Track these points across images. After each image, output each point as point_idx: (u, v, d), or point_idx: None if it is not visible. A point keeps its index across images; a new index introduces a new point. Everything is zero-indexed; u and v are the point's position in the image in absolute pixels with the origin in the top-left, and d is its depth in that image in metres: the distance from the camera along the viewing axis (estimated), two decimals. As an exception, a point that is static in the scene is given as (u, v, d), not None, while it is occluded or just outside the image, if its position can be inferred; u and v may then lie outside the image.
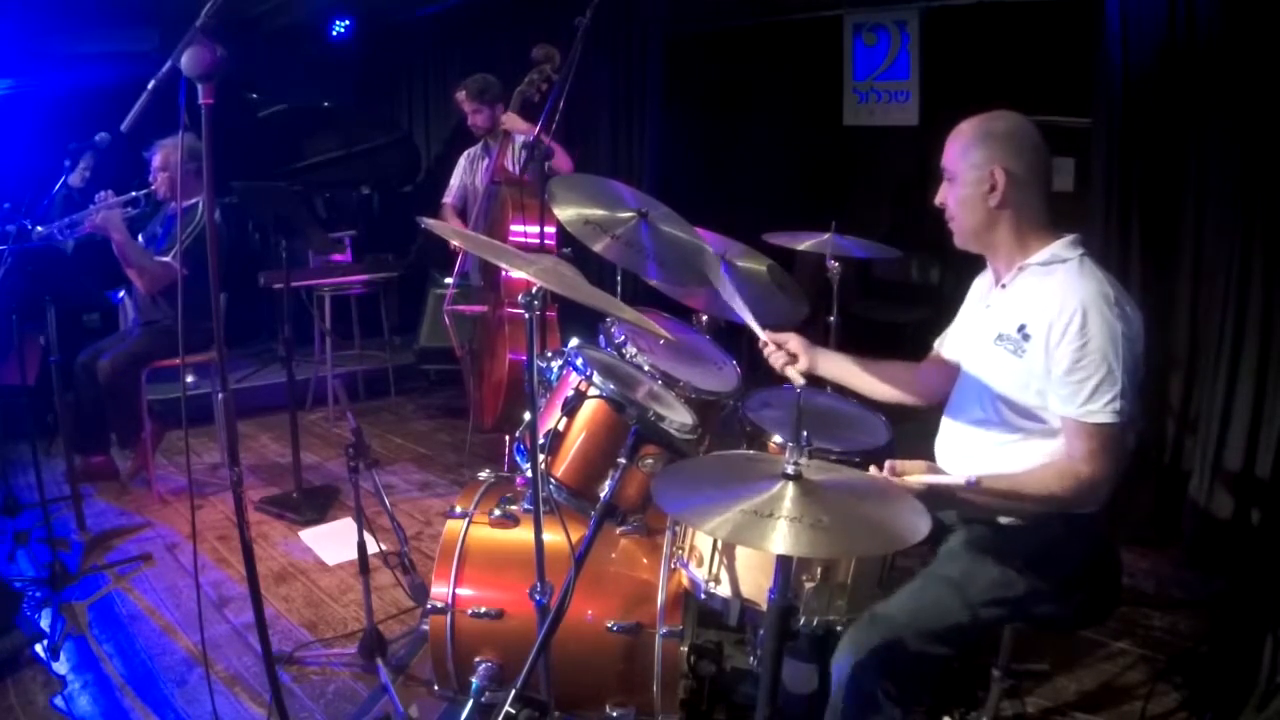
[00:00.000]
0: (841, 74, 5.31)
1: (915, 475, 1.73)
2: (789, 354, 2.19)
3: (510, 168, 4.19)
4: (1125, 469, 1.85)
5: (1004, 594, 1.83)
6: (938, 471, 1.75)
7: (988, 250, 1.97)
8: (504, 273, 3.82)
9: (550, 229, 3.48)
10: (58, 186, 3.84)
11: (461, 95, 4.40)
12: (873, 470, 1.77)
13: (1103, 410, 1.73)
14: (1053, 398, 1.79)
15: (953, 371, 2.08)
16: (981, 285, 2.12)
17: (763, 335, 2.23)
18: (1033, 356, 1.81)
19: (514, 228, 3.91)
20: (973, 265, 2.15)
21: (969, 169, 1.87)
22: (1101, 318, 1.73)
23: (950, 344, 2.17)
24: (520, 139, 4.25)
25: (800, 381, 2.18)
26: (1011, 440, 1.89)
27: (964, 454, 1.97)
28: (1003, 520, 1.90)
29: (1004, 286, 1.95)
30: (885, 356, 2.29)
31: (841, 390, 2.41)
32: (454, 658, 2.22)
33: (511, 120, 4.10)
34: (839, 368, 2.22)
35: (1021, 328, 1.85)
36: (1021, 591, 1.84)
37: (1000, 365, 1.89)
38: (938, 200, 1.97)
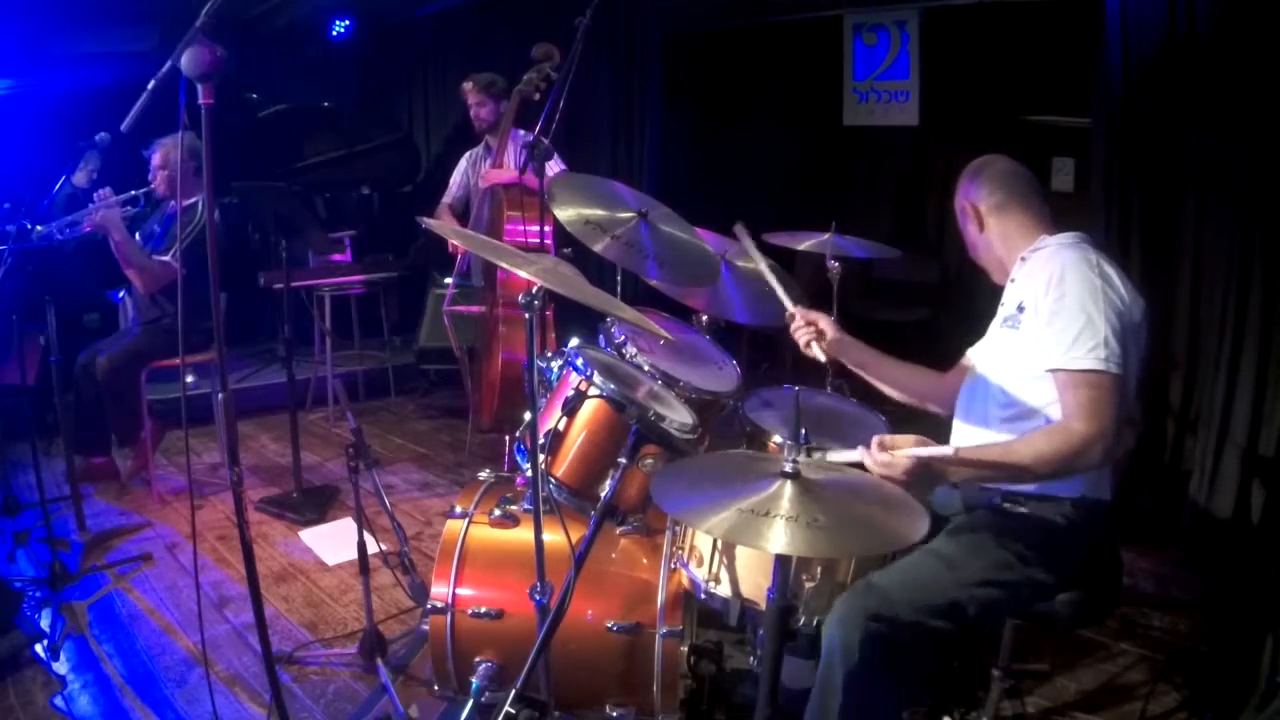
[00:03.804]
0: (841, 74, 5.32)
1: (903, 450, 1.73)
2: (817, 331, 2.19)
3: (510, 167, 4.21)
4: (1126, 446, 1.84)
5: (1001, 575, 1.83)
6: (928, 443, 1.75)
7: (1000, 266, 2.07)
8: (500, 272, 3.82)
9: (548, 229, 3.49)
10: (58, 186, 3.84)
11: (468, 86, 4.42)
12: (860, 450, 1.77)
13: (1086, 356, 1.74)
14: (1042, 357, 1.81)
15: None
16: None
17: (792, 309, 2.22)
18: (1027, 325, 1.88)
19: (510, 228, 3.92)
20: (971, 265, 2.18)
21: (959, 213, 2.11)
22: (1078, 272, 1.81)
23: (977, 351, 2.17)
24: (519, 137, 4.26)
25: (822, 359, 2.19)
26: (1018, 420, 1.89)
27: (975, 442, 1.96)
28: (1007, 506, 1.91)
29: (1013, 281, 2.03)
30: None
31: (842, 390, 2.41)
32: (454, 658, 2.22)
33: (494, 175, 4.17)
34: (864, 358, 2.23)
35: (1019, 304, 1.92)
36: (1019, 576, 1.84)
37: (1005, 345, 1.96)
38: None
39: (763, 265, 2.34)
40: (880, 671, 1.75)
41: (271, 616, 2.99)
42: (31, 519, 3.50)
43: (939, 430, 2.13)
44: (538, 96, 3.96)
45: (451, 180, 4.63)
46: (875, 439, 1.75)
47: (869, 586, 1.81)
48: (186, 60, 1.66)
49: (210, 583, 3.25)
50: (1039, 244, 1.96)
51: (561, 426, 2.03)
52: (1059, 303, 1.79)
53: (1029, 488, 1.87)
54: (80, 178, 4.30)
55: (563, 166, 4.06)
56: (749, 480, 1.55)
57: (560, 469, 2.05)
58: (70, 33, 5.57)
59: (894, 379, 2.24)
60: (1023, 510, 1.89)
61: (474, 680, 2.17)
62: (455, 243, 4.23)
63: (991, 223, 2.03)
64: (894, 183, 5.67)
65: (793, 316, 2.23)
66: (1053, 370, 1.79)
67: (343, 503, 3.96)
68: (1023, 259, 1.99)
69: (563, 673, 2.04)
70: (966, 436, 2.02)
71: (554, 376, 2.15)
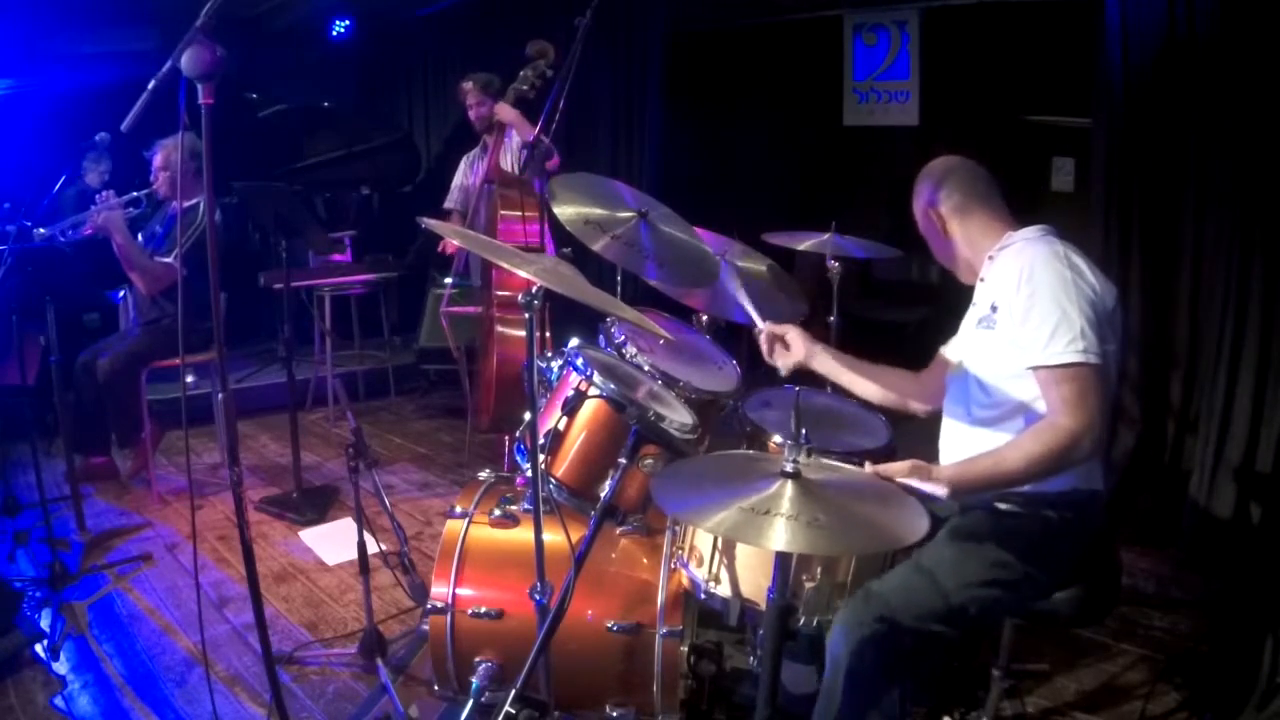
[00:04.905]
0: (841, 74, 5.32)
1: (897, 480, 1.74)
2: (782, 345, 2.20)
3: (507, 166, 4.20)
4: (1111, 420, 1.84)
5: (1000, 575, 1.83)
6: (924, 471, 1.75)
7: (967, 267, 2.07)
8: (497, 272, 3.82)
9: (546, 228, 3.48)
10: (58, 186, 3.84)
11: (467, 86, 4.42)
12: (852, 469, 1.78)
13: (1065, 350, 1.73)
14: (1020, 355, 1.81)
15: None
16: None
17: (760, 324, 2.24)
18: (1002, 325, 1.87)
19: (506, 227, 3.92)
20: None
21: (919, 219, 2.11)
22: (1048, 266, 1.80)
23: (951, 349, 2.18)
24: (515, 137, 4.26)
25: (784, 371, 2.21)
26: (1003, 420, 1.89)
27: (964, 447, 1.97)
28: (1000, 506, 1.91)
29: (983, 280, 2.03)
30: (885, 356, 2.29)
31: (842, 390, 2.41)
32: (454, 658, 2.22)
33: (503, 110, 4.09)
34: (836, 367, 2.23)
35: (993, 304, 1.92)
36: (1018, 575, 1.84)
37: (982, 346, 1.95)
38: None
39: (742, 297, 2.35)
40: (883, 676, 1.75)
41: (271, 616, 2.99)
42: (31, 519, 3.50)
43: (931, 428, 2.14)
44: (533, 96, 3.95)
45: (453, 184, 4.63)
46: (869, 467, 1.75)
47: (869, 594, 1.81)
48: (186, 60, 1.66)
49: (210, 583, 3.25)
50: (1005, 241, 1.97)
51: (561, 426, 2.03)
52: (1031, 299, 1.78)
53: (1021, 486, 1.87)
54: (92, 178, 4.32)
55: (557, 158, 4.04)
56: (749, 480, 1.55)
57: (560, 469, 2.05)
58: (70, 33, 5.57)
59: (872, 381, 2.24)
60: (1017, 510, 1.89)
61: (474, 680, 2.16)
62: (452, 242, 4.24)
63: (954, 225, 2.03)
64: (894, 183, 5.65)
65: (759, 331, 2.26)
66: (1033, 368, 1.78)
67: (343, 503, 3.96)
68: (990, 257, 1.99)
69: (563, 673, 2.04)
70: (955, 435, 2.02)
71: (554, 376, 2.15)
